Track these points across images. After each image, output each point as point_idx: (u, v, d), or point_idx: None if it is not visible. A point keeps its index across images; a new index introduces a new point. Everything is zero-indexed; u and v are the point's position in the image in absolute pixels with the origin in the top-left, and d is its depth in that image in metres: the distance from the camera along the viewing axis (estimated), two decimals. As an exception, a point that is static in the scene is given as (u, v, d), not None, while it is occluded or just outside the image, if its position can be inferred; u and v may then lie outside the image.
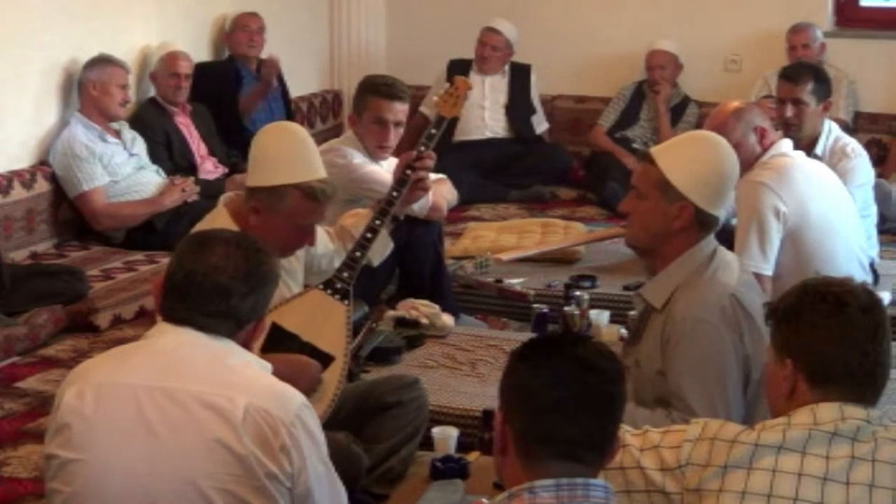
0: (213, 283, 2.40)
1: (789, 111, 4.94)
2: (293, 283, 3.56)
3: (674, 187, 3.02)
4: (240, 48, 6.95)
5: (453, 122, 4.19)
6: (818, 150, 4.96)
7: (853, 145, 5.07)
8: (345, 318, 3.45)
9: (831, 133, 5.06)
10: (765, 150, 4.32)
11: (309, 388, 3.22)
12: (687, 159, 3.08)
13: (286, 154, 3.36)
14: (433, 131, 3.96)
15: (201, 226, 3.24)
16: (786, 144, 4.40)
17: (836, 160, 4.93)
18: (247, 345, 2.49)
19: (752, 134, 4.31)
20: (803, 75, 5.05)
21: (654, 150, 3.13)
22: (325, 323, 3.41)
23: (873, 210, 5.09)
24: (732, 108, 4.37)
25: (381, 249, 3.85)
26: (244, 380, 2.38)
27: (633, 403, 3.03)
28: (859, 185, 4.93)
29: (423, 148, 3.93)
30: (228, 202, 3.44)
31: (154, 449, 2.32)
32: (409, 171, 3.87)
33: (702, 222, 3.05)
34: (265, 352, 3.26)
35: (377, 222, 3.69)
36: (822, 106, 5.03)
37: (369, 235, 3.62)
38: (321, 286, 3.50)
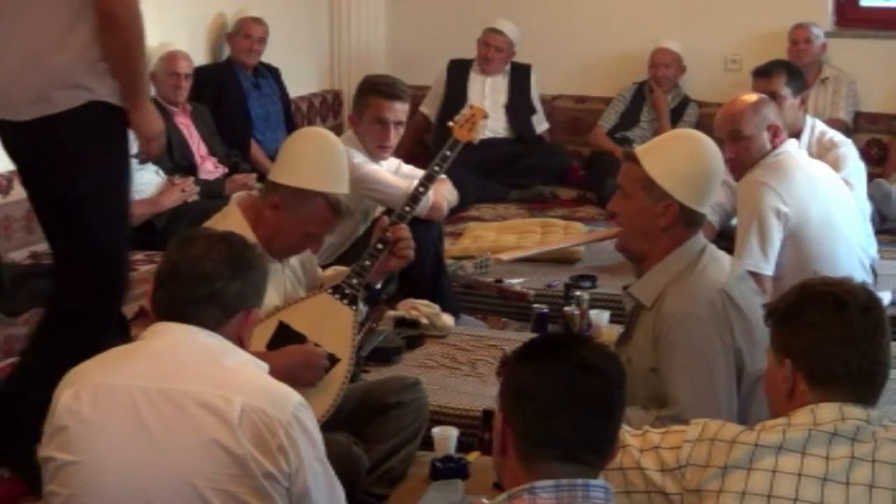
0: (198, 269, 2.43)
1: None
2: (301, 291, 3.56)
3: (658, 185, 3.04)
4: (239, 55, 6.93)
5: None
6: (801, 144, 4.96)
7: (840, 138, 5.09)
8: (351, 323, 3.46)
9: (816, 127, 5.08)
10: (774, 148, 4.32)
11: (315, 378, 3.23)
12: (670, 157, 3.09)
13: (322, 162, 3.38)
14: (448, 153, 3.98)
15: (209, 224, 3.26)
16: (790, 144, 4.40)
17: (822, 152, 4.93)
18: (240, 337, 2.49)
19: (766, 131, 4.32)
20: (776, 69, 5.09)
21: (639, 150, 3.14)
22: (332, 326, 3.43)
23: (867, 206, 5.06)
24: (752, 100, 4.38)
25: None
26: (241, 379, 2.38)
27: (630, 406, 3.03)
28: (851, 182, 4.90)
29: (437, 168, 3.94)
30: (240, 201, 3.44)
31: (151, 450, 2.32)
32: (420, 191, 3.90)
33: (688, 220, 3.06)
34: (271, 350, 3.27)
35: (389, 234, 3.69)
36: (798, 99, 5.04)
37: (380, 246, 3.62)
38: (330, 291, 3.51)
